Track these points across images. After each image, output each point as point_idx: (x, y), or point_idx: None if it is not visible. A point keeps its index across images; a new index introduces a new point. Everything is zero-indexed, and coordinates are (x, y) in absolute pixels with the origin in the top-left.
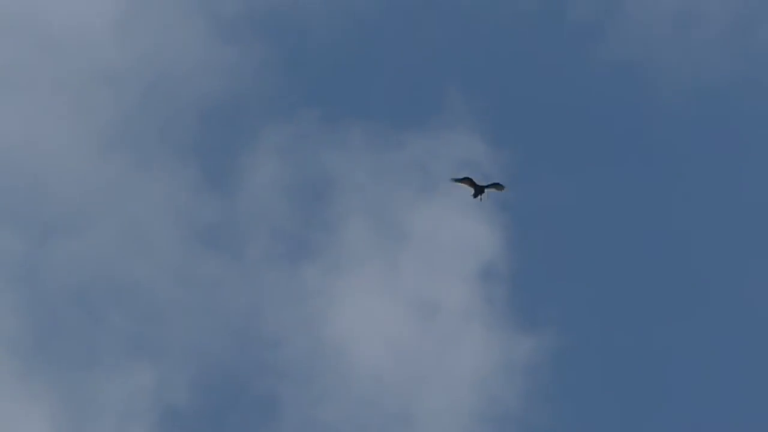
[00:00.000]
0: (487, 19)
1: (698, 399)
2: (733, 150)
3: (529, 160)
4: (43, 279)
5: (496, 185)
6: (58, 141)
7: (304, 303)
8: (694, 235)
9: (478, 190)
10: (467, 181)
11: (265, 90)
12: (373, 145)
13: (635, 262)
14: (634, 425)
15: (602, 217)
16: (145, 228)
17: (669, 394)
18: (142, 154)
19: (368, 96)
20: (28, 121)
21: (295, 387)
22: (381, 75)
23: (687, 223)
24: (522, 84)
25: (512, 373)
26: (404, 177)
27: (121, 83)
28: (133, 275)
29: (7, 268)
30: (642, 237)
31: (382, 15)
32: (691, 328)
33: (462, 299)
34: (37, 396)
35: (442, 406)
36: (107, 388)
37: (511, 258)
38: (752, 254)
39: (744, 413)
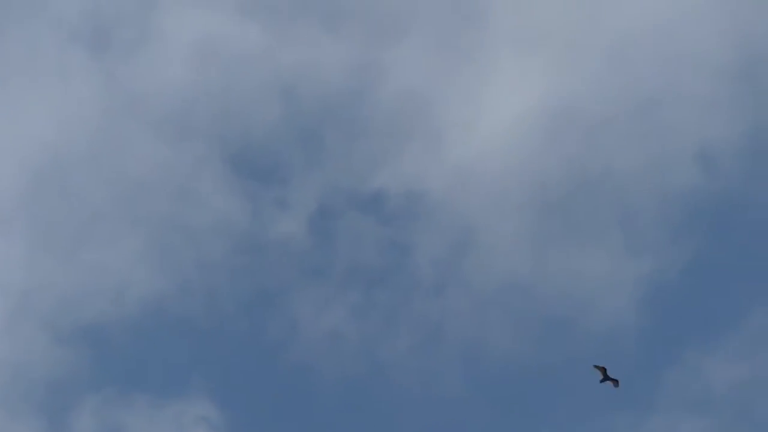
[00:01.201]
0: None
1: None
2: None
3: (241, 419)
4: None
5: (616, 382)
6: None
7: None
8: None
9: (606, 378)
10: (602, 369)
11: (85, 374)
12: (151, 406)
13: None
14: None
15: None
16: None
17: None
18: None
19: (146, 375)
20: None
21: None
22: (153, 364)
23: None
24: (241, 374)
25: None
26: (171, 425)
27: None
28: None
29: None
30: None
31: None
32: None
33: None
34: None
35: None
36: None
37: None
38: None
39: None
